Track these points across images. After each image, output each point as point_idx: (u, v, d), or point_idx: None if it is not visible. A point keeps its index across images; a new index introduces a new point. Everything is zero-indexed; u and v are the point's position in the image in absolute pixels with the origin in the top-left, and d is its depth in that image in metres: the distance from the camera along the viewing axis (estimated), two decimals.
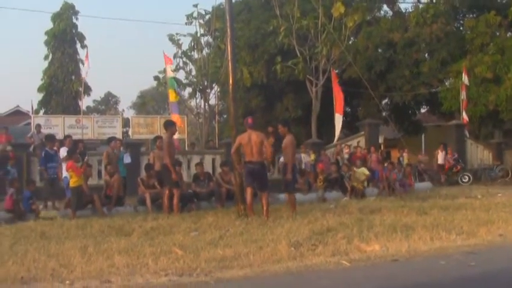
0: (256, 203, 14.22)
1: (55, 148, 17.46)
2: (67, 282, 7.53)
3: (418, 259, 8.68)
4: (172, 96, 27.18)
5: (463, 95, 30.51)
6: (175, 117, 25.64)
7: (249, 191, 13.99)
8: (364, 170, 20.59)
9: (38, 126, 24.38)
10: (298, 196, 15.51)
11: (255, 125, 14.38)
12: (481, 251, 9.25)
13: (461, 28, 37.12)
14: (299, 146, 24.55)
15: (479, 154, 30.80)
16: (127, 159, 19.47)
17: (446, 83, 35.00)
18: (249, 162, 14.04)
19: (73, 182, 15.30)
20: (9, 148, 21.42)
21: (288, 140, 14.51)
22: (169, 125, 16.10)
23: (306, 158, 23.44)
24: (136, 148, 23.44)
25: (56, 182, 17.18)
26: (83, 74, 31.32)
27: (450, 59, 33.25)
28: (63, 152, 17.31)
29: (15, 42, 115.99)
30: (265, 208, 13.67)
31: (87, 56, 29.03)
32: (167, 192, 15.13)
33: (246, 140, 13.93)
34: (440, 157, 27.89)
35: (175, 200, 14.99)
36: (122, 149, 19.82)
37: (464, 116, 30.65)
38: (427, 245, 9.54)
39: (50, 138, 18.35)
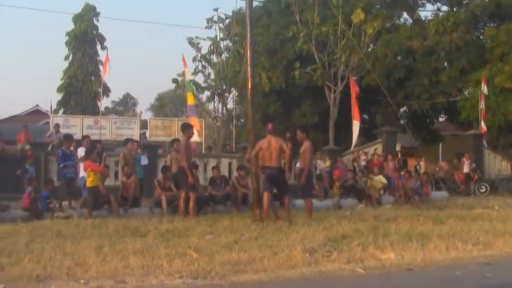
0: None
1: (72, 148, 17.52)
2: (82, 281, 7.58)
3: (433, 269, 8.67)
4: (190, 99, 27.24)
5: (482, 104, 30.30)
6: (193, 120, 25.71)
7: (266, 196, 14.03)
8: (382, 178, 20.57)
9: (57, 125, 24.56)
10: (314, 202, 15.50)
11: (274, 131, 14.48)
12: (497, 262, 9.21)
13: (481, 37, 36.83)
14: (316, 152, 24.60)
15: (497, 164, 30.64)
16: (144, 160, 19.50)
17: (465, 92, 34.74)
18: (267, 167, 14.12)
19: (90, 182, 15.37)
20: (28, 147, 21.58)
21: (306, 145, 14.57)
22: (187, 128, 16.15)
23: (322, 164, 23.44)
24: (154, 150, 23.52)
25: (72, 181, 17.20)
26: (102, 75, 31.39)
27: (470, 68, 33.03)
28: (80, 152, 17.39)
29: (36, 42, 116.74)
30: (286, 211, 13.96)
31: (107, 58, 29.14)
32: (183, 194, 15.15)
33: (265, 145, 14.06)
34: (466, 166, 27.55)
35: (191, 203, 15.01)
36: (139, 150, 19.87)
37: (483, 125, 30.43)
38: (443, 255, 9.51)
39: (68, 137, 18.41)
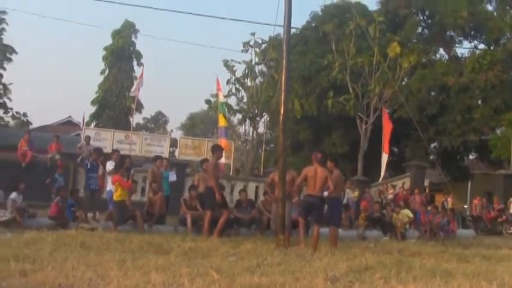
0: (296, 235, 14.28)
1: (99, 161, 17.63)
2: None
3: None
4: (222, 121, 27.38)
5: None
6: (222, 141, 25.85)
7: (302, 223, 14.38)
8: (408, 212, 20.43)
9: (88, 138, 24.75)
10: (339, 232, 15.42)
11: (322, 161, 14.60)
12: None
13: None
14: (344, 181, 24.58)
15: None
16: (172, 177, 19.54)
17: (497, 131, 34.53)
18: (310, 196, 14.32)
19: (117, 196, 15.48)
20: (58, 157, 21.83)
21: (336, 175, 14.62)
22: (216, 149, 16.27)
23: (350, 194, 23.37)
24: (182, 169, 23.63)
25: (97, 193, 17.35)
26: (133, 92, 31.63)
27: (504, 107, 32.81)
28: (109, 165, 17.52)
29: (73, 55, 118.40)
30: (315, 240, 13.92)
31: (141, 75, 29.41)
32: (208, 214, 15.19)
33: (312, 173, 14.17)
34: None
35: (222, 220, 15.09)
36: (167, 168, 19.93)
37: None
38: None
39: (97, 151, 18.59)
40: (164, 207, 17.14)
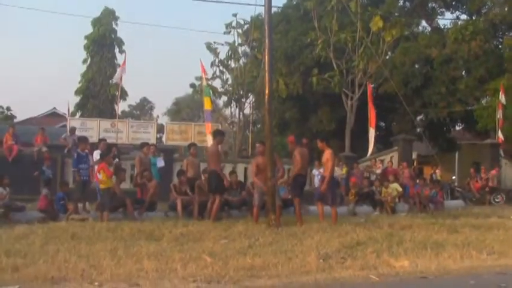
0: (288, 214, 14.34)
1: (87, 150, 17.53)
2: (96, 283, 7.64)
3: (447, 277, 8.64)
4: (207, 105, 27.26)
5: (500, 113, 30.08)
6: (208, 125, 25.74)
7: (298, 202, 14.83)
8: (397, 186, 20.53)
9: (73, 129, 24.64)
10: (328, 209, 15.43)
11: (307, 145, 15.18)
12: None
13: (500, 46, 36.61)
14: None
15: None
16: (160, 163, 19.45)
17: (482, 101, 34.60)
18: (301, 175, 15.02)
19: (103, 184, 15.42)
20: (44, 149, 21.69)
21: (327, 154, 14.97)
22: (217, 134, 16.48)
23: (338, 171, 23.36)
24: (170, 154, 23.58)
25: (87, 184, 17.21)
26: (116, 79, 31.39)
27: (488, 77, 32.80)
28: (96, 155, 17.47)
29: (54, 45, 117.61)
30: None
31: (123, 63, 29.20)
32: (218, 199, 15.18)
33: (305, 155, 15.09)
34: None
35: (215, 206, 15.12)
36: (155, 153, 19.85)
37: (500, 135, 30.21)
38: (457, 264, 9.48)
39: (83, 139, 18.37)
40: (157, 195, 17.05)
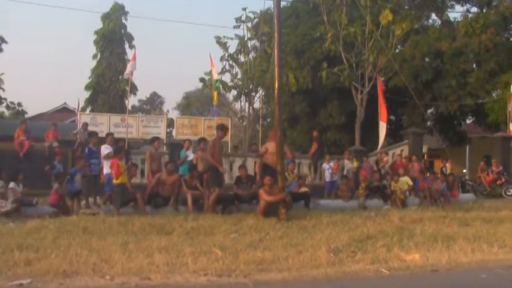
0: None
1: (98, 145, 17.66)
2: (107, 277, 7.69)
3: (458, 271, 8.63)
4: (216, 99, 27.27)
5: (510, 106, 29.92)
6: (217, 120, 25.79)
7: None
8: (408, 180, 20.48)
9: (85, 124, 24.70)
10: (340, 203, 15.44)
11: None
12: None
13: (510, 39, 36.41)
14: (342, 152, 24.63)
15: None
16: (191, 155, 19.51)
17: (493, 94, 34.39)
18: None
19: (117, 179, 15.49)
20: (56, 144, 21.82)
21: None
22: (218, 129, 16.58)
23: (349, 164, 23.36)
24: (180, 149, 23.61)
25: (97, 178, 17.41)
26: (126, 75, 31.36)
27: (498, 70, 32.61)
28: (104, 149, 17.53)
29: (65, 41, 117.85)
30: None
31: (134, 56, 29.20)
32: (216, 191, 15.36)
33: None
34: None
35: (212, 199, 15.30)
36: (185, 148, 20.05)
37: (511, 128, 30.09)
38: (468, 257, 9.47)
39: (93, 135, 18.62)
40: (177, 188, 16.99)
